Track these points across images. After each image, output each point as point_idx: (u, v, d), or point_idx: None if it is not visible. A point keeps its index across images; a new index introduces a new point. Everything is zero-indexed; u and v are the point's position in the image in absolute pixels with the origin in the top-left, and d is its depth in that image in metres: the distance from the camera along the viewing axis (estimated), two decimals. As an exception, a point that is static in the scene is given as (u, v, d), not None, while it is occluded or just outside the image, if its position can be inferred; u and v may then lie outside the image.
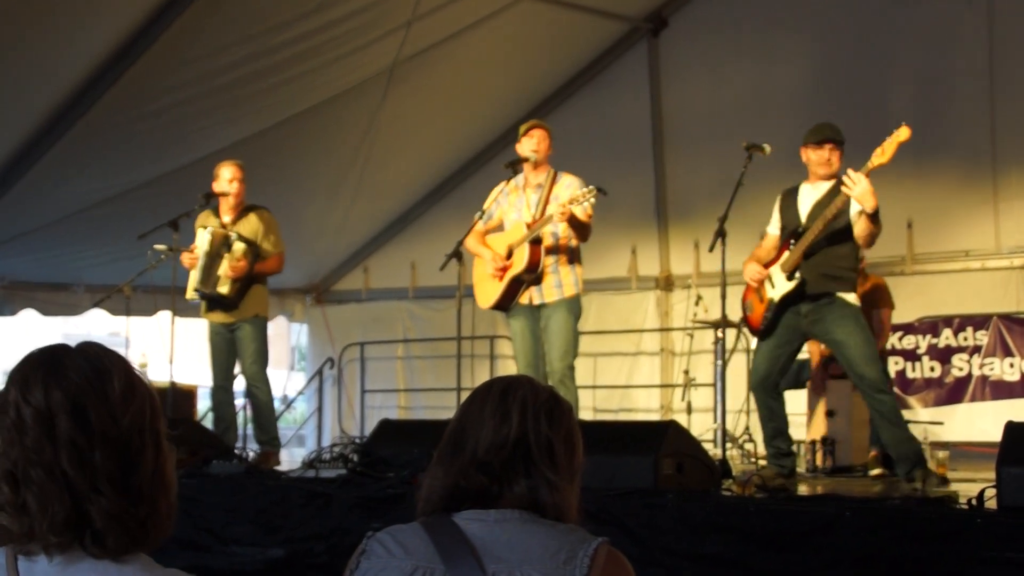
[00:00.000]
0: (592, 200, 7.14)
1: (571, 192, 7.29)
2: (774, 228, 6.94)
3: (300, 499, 6.20)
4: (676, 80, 12.21)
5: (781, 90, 11.46)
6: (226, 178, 8.36)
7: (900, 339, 10.23)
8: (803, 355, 9.16)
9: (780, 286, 6.66)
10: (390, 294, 13.90)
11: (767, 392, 6.76)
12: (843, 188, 6.26)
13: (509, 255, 7.50)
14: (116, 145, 10.18)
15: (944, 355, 10.09)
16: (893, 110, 10.53)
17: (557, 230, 7.43)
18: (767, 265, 6.81)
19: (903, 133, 6.17)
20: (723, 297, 7.45)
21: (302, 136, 11.28)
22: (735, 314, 8.15)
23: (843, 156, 6.66)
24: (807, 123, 11.17)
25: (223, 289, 8.22)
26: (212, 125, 10.45)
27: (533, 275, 7.39)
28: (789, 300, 6.64)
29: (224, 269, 8.20)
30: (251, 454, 8.11)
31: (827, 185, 6.61)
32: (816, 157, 6.67)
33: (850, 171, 6.28)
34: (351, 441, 7.84)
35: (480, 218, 7.67)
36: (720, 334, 7.56)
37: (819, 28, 11.45)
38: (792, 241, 6.65)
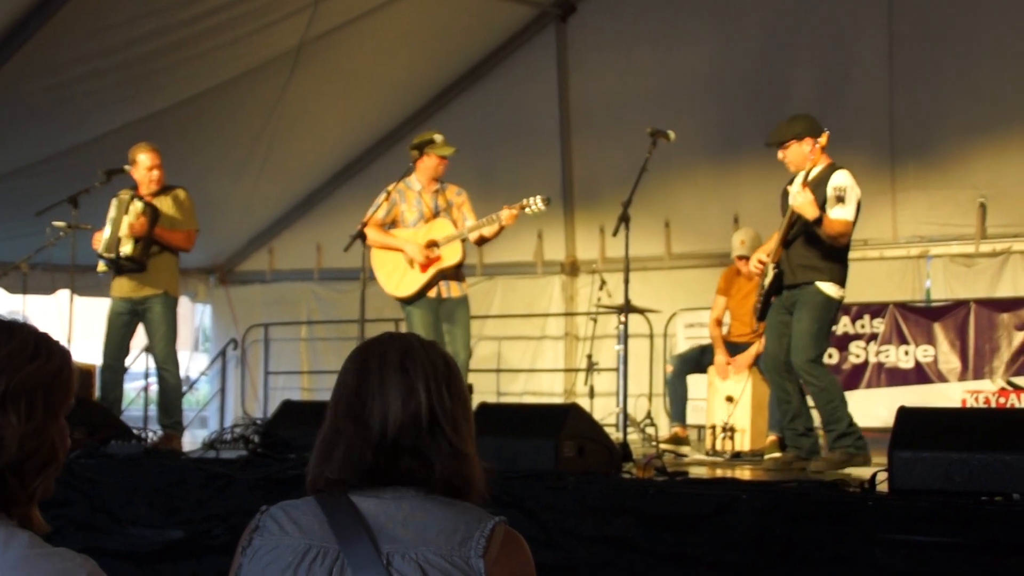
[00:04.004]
0: (543, 207, 7.67)
1: (463, 198, 7.95)
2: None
3: (200, 480, 6.14)
4: (584, 65, 12.27)
5: (688, 76, 11.56)
6: (145, 165, 8.19)
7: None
8: (704, 340, 9.30)
9: (768, 275, 6.87)
10: (295, 275, 13.80)
11: (779, 374, 6.88)
12: (790, 198, 6.58)
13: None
14: (14, 120, 9.97)
15: (841, 342, 10.26)
16: (795, 97, 10.69)
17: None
18: None
19: (822, 139, 6.58)
20: (626, 282, 7.51)
21: (207, 115, 11.14)
22: (638, 299, 8.23)
23: (810, 144, 6.69)
24: (712, 109, 11.40)
25: (125, 249, 8.04)
26: (113, 102, 10.27)
27: (456, 271, 7.85)
28: (772, 289, 6.85)
29: (124, 229, 8.06)
30: (151, 435, 8.01)
31: (805, 172, 6.68)
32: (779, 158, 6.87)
33: (797, 183, 6.59)
34: (252, 422, 7.78)
35: (376, 211, 7.92)
36: (623, 319, 7.61)
37: (724, 15, 11.56)
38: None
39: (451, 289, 7.84)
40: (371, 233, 7.90)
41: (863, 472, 5.33)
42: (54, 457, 1.91)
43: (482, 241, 7.94)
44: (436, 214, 7.86)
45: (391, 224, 7.97)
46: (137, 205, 8.07)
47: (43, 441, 1.88)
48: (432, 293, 7.79)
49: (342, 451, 2.22)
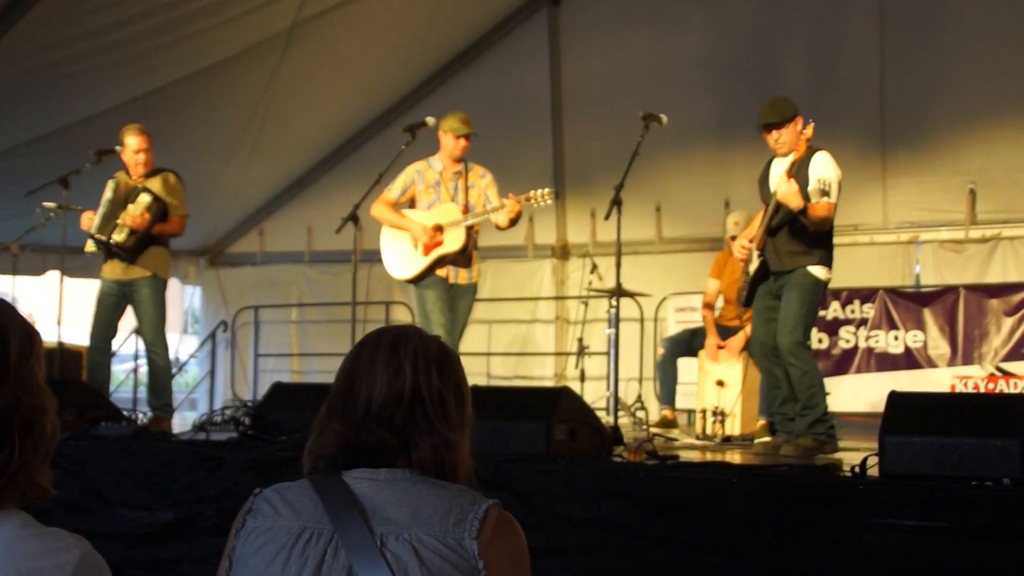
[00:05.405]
0: (550, 201, 7.68)
1: (487, 180, 7.84)
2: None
3: (190, 462, 6.14)
4: (575, 49, 12.26)
5: (679, 60, 11.56)
6: (132, 148, 8.08)
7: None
8: (695, 323, 9.30)
9: (753, 262, 6.86)
10: (285, 258, 13.78)
11: (768, 359, 6.87)
12: (775, 188, 6.54)
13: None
14: (3, 101, 9.92)
15: (832, 327, 10.28)
16: (787, 82, 10.69)
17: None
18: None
19: (808, 131, 6.51)
20: (618, 266, 7.49)
21: (198, 96, 11.09)
22: (629, 283, 8.22)
23: (800, 124, 6.65)
24: (704, 93, 11.40)
25: (119, 237, 7.94)
26: (104, 83, 10.22)
27: (461, 257, 7.75)
28: (759, 276, 6.85)
29: (124, 218, 7.97)
30: (141, 416, 8.00)
31: (789, 160, 6.64)
32: (768, 141, 6.79)
33: (776, 170, 6.58)
34: (243, 404, 7.77)
35: (389, 190, 7.86)
36: (614, 303, 7.61)
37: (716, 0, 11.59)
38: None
39: (459, 276, 7.78)
40: (382, 211, 7.83)
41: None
42: (56, 428, 1.92)
43: (511, 225, 7.85)
44: (454, 196, 7.78)
45: (409, 204, 7.88)
46: (145, 198, 7.96)
47: (49, 415, 1.90)
48: (441, 273, 7.73)
49: (331, 430, 2.24)
